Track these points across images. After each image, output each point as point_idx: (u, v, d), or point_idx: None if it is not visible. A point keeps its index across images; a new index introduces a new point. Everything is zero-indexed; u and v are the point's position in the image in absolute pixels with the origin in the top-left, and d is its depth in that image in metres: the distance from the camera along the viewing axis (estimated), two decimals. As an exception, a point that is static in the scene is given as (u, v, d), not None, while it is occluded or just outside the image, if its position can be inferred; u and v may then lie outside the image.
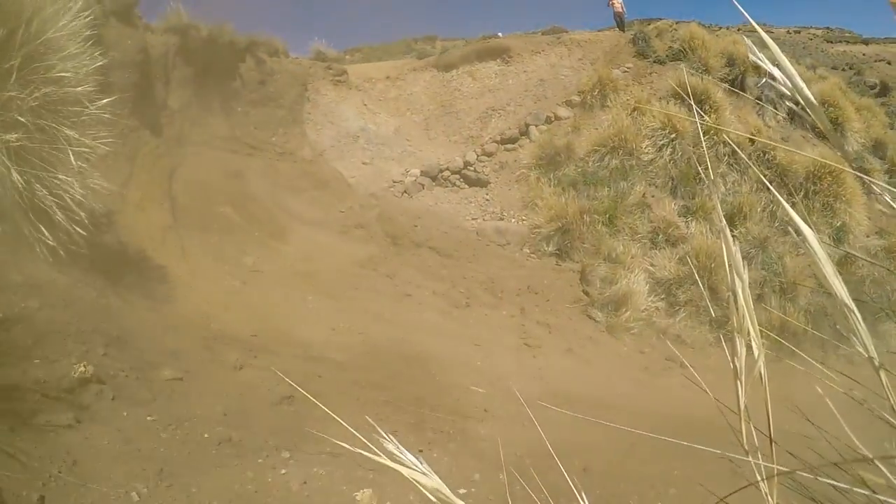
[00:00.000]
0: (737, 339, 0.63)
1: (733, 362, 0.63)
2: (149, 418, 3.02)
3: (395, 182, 10.29)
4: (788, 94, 0.62)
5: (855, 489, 0.66)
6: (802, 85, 0.61)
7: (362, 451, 0.59)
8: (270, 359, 4.59)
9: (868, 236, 9.45)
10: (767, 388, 0.63)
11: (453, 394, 4.92)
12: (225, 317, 5.25)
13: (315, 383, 4.36)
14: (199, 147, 8.29)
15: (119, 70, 6.72)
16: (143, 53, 7.40)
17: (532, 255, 8.71)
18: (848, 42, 29.91)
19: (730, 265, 0.63)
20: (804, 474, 0.66)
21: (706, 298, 7.52)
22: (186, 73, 8.52)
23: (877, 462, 0.66)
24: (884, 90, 15.30)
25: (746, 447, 0.65)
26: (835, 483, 0.66)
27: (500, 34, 14.91)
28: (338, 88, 11.58)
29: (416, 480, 0.57)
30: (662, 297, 8.01)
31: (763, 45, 0.74)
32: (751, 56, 0.68)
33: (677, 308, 7.90)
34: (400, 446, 0.59)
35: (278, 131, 9.94)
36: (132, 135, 6.57)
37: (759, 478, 0.63)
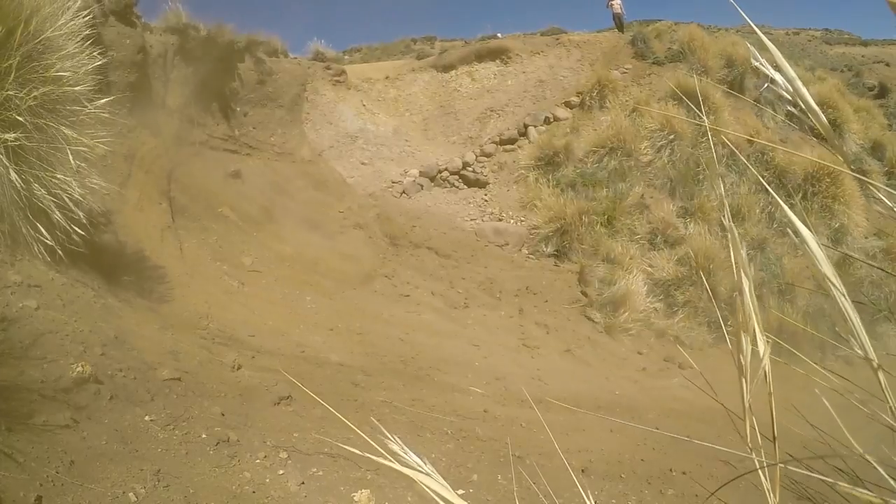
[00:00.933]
0: (742, 338, 0.63)
1: (738, 360, 0.63)
2: (147, 418, 3.02)
3: (393, 182, 10.28)
4: (789, 98, 0.63)
5: (851, 489, 0.66)
6: (804, 89, 0.62)
7: (370, 456, 0.59)
8: (269, 359, 4.59)
9: (866, 238, 9.48)
10: (772, 386, 0.63)
11: (451, 394, 4.92)
12: (223, 317, 5.24)
13: (313, 383, 4.36)
14: (197, 147, 8.28)
15: (118, 69, 6.72)
16: (141, 53, 7.39)
17: (530, 256, 8.71)
18: (847, 43, 29.93)
19: (737, 264, 0.63)
20: (800, 470, 0.66)
21: (707, 299, 7.53)
22: (185, 73, 8.51)
23: (874, 463, 0.67)
24: (882, 92, 15.31)
25: (750, 445, 0.65)
26: (831, 481, 0.66)
27: (499, 35, 14.97)
28: (337, 88, 11.57)
29: (423, 483, 0.57)
30: (661, 297, 8.03)
31: (762, 47, 0.74)
32: (753, 61, 0.69)
33: (675, 309, 7.91)
34: (405, 448, 0.59)
35: (277, 131, 9.93)
36: (131, 134, 6.56)
37: (761, 475, 0.63)
